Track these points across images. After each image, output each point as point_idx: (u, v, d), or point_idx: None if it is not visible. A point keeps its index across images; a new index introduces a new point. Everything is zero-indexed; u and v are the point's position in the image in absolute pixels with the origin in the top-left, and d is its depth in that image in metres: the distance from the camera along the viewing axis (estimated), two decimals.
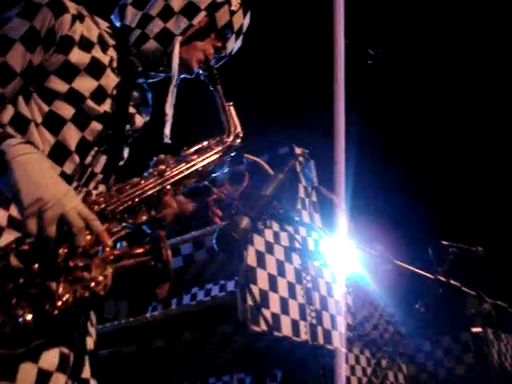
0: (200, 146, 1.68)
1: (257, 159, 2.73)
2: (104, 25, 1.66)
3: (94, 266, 1.26)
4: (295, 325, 2.32)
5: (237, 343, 2.34)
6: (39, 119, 1.45)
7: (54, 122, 1.46)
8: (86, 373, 1.47)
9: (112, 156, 1.62)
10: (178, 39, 1.68)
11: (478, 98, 5.45)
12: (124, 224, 1.43)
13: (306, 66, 4.84)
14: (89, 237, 1.26)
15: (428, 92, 5.34)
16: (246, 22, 1.83)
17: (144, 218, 1.49)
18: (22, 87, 1.44)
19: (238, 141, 1.71)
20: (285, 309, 2.29)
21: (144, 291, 1.42)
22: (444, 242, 4.00)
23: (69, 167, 1.49)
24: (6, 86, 1.40)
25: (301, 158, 2.73)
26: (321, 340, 2.45)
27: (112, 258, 1.30)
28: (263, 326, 2.13)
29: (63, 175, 1.45)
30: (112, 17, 1.72)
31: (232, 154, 1.74)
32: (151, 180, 1.51)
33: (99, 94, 1.53)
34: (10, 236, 1.33)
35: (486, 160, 5.79)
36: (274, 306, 2.23)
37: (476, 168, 5.79)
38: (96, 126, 1.53)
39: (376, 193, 5.68)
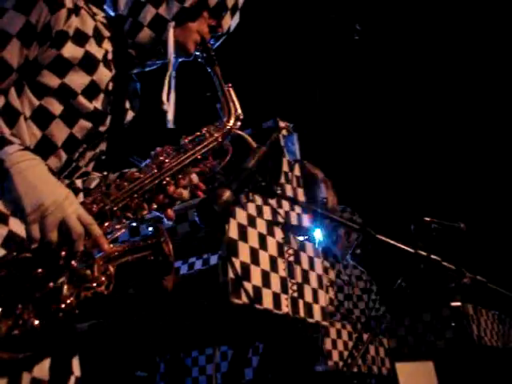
0: (199, 133, 1.66)
1: (241, 133, 2.71)
2: (100, 15, 1.63)
3: (96, 267, 1.29)
4: (276, 298, 2.33)
5: (219, 315, 2.35)
6: (28, 113, 1.44)
7: (42, 117, 1.46)
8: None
9: (100, 151, 1.64)
10: (171, 25, 1.65)
11: (463, 78, 5.46)
12: (124, 220, 1.44)
13: (290, 40, 4.80)
14: (88, 239, 1.28)
15: (413, 67, 5.33)
16: None
17: (145, 212, 1.50)
18: (16, 80, 1.43)
19: (239, 123, 1.70)
20: (266, 282, 2.30)
21: (149, 285, 1.43)
22: (426, 219, 4.02)
23: (53, 162, 1.49)
24: (3, 81, 1.39)
25: (284, 131, 2.72)
26: (302, 313, 2.47)
27: (113, 256, 1.32)
28: (244, 299, 2.13)
29: None
30: (105, 6, 1.69)
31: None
32: (149, 174, 1.51)
33: (91, 90, 1.52)
34: (16, 223, 1.35)
35: (467, 136, 5.82)
36: (256, 279, 2.24)
37: (457, 144, 5.81)
38: (84, 123, 1.52)
39: (359, 168, 5.69)
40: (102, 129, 1.58)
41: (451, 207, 5.24)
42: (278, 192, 2.05)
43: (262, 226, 2.40)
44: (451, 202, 5.59)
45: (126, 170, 1.77)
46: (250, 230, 2.31)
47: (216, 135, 1.65)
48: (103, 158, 1.69)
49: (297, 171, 2.85)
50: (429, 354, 4.21)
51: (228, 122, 1.68)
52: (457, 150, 5.81)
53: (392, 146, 5.74)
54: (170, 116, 1.69)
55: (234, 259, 2.14)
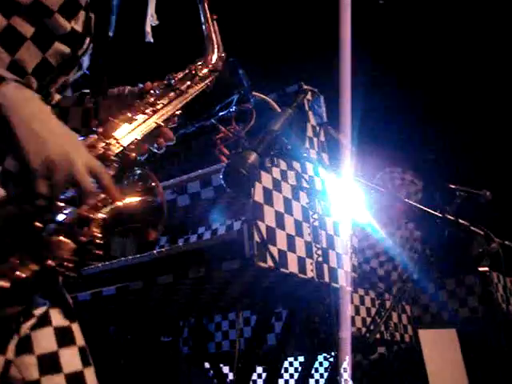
0: (186, 71, 1.60)
1: (264, 97, 2.69)
2: None
3: (95, 222, 1.17)
4: (301, 262, 2.32)
5: (243, 280, 2.35)
6: None
7: (11, 39, 1.26)
8: (64, 320, 1.37)
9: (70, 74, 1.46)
10: None
11: (490, 39, 5.33)
12: (116, 165, 1.34)
13: (312, 3, 4.72)
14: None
15: (438, 26, 5.21)
16: None
17: (134, 154, 1.39)
18: None
19: (221, 64, 1.64)
20: (291, 246, 2.29)
21: (139, 229, 1.35)
22: (452, 186, 3.98)
23: None
24: None
25: (309, 95, 2.68)
26: (326, 278, 2.46)
27: (111, 202, 1.21)
28: (270, 263, 2.13)
29: None
30: None
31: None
32: (145, 117, 1.43)
33: (69, 7, 1.32)
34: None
35: (496, 106, 5.72)
36: (281, 242, 2.23)
37: (486, 112, 5.72)
38: (60, 47, 1.34)
39: (384, 133, 5.62)
40: (80, 52, 1.41)
41: (477, 174, 5.18)
42: (304, 155, 2.03)
43: (287, 191, 2.38)
44: (477, 169, 5.52)
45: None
46: (275, 193, 2.29)
47: (203, 75, 1.60)
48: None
49: (322, 137, 2.82)
50: (451, 322, 4.21)
51: (211, 59, 1.62)
52: (482, 116, 5.71)
53: (417, 110, 5.66)
54: (148, 27, 1.59)
55: (259, 222, 2.13)
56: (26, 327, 1.26)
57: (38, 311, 1.29)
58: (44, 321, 1.31)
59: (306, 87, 2.68)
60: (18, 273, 1.08)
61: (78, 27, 1.36)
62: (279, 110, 2.51)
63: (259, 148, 1.82)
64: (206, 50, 1.63)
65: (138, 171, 1.35)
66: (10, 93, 1.09)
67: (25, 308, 1.24)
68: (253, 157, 1.78)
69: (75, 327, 1.37)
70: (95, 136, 1.32)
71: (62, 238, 1.12)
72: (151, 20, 1.59)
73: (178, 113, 1.56)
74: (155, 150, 1.55)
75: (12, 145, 1.08)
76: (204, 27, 1.63)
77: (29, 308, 1.26)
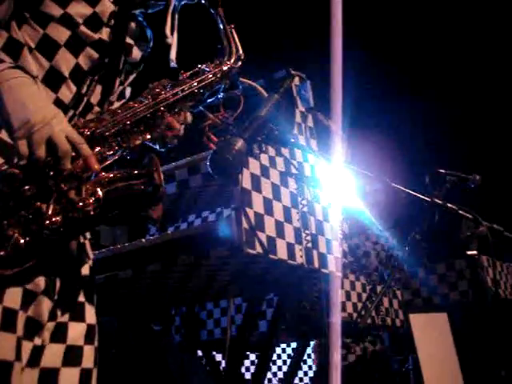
0: (197, 69, 1.65)
1: (252, 83, 2.67)
2: None
3: (85, 189, 1.28)
4: (290, 248, 2.32)
5: (232, 267, 2.35)
6: (33, 43, 1.42)
7: (48, 47, 1.44)
8: (81, 297, 1.49)
9: (107, 86, 1.58)
10: None
11: (480, 30, 5.33)
12: (116, 148, 1.42)
13: None
14: (79, 161, 1.28)
15: (430, 13, 5.21)
16: None
17: (138, 141, 1.47)
18: (16, 12, 1.40)
19: (239, 63, 1.69)
20: (280, 232, 2.29)
21: (137, 214, 1.41)
22: (441, 170, 3.98)
23: (64, 94, 1.46)
24: None
25: (297, 80, 2.67)
26: (316, 264, 2.46)
27: (103, 180, 1.31)
28: (258, 249, 2.12)
29: (59, 102, 1.44)
30: None
31: (228, 81, 1.70)
32: (145, 103, 1.49)
33: (94, 22, 1.49)
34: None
35: (486, 91, 5.72)
36: (270, 229, 2.23)
37: (476, 98, 5.72)
38: (91, 52, 1.50)
39: (374, 119, 5.62)
40: (107, 60, 1.55)
41: (467, 158, 5.19)
42: (292, 140, 2.02)
43: (275, 177, 2.38)
44: (467, 154, 5.53)
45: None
46: (263, 180, 2.29)
47: (215, 71, 1.63)
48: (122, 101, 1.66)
49: (310, 122, 2.82)
50: (442, 306, 4.23)
51: (229, 60, 1.66)
52: (473, 103, 5.72)
53: (407, 95, 5.66)
54: (173, 55, 1.66)
55: (247, 209, 2.13)
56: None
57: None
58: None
59: (293, 72, 2.67)
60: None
61: (105, 37, 1.52)
62: (267, 95, 2.49)
63: (246, 134, 1.81)
64: (223, 54, 1.67)
65: (147, 156, 1.40)
66: (1, 69, 1.27)
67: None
68: (239, 143, 1.77)
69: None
70: (91, 119, 1.42)
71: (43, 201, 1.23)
72: (168, 38, 1.68)
73: (188, 105, 1.62)
74: (157, 147, 1.65)
75: (0, 111, 1.25)
76: (221, 34, 1.67)
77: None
